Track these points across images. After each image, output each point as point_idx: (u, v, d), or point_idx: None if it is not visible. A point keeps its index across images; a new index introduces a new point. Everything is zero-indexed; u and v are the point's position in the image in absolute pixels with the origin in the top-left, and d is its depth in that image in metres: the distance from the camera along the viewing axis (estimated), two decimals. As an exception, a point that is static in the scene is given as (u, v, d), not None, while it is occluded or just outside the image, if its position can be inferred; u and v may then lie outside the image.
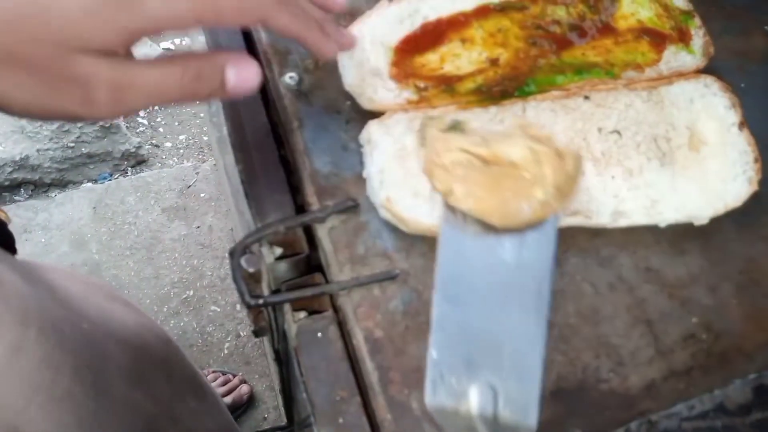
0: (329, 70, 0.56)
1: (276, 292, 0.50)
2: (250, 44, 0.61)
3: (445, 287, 0.42)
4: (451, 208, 0.46)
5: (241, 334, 1.66)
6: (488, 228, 0.45)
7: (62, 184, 1.85)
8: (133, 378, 0.63)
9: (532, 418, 0.41)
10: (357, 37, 0.51)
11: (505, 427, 0.40)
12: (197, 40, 0.69)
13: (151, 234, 1.76)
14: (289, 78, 0.56)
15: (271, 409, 1.58)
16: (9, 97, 0.37)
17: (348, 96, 0.54)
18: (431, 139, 0.49)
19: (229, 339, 1.66)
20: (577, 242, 0.52)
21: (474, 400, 0.40)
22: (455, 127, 0.50)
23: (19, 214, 1.75)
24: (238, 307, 1.69)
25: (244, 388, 1.55)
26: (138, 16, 0.37)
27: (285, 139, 0.55)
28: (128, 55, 0.39)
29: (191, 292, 1.71)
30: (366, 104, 0.52)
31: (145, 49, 1.85)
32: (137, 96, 0.39)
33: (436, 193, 0.48)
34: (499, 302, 0.42)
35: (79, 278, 0.71)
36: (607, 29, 0.55)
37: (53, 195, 1.80)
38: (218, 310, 1.69)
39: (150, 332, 0.76)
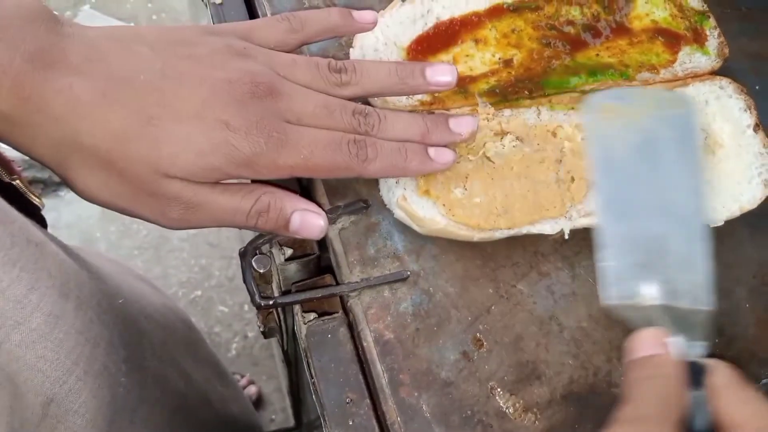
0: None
1: (286, 293, 0.49)
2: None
3: (608, 206, 0.45)
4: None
5: (249, 335, 1.66)
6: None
7: (72, 183, 1.86)
8: (165, 356, 0.63)
9: (706, 301, 0.42)
10: (475, 124, 0.49)
11: (684, 313, 0.42)
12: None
13: (159, 233, 1.76)
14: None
15: (278, 411, 1.58)
16: (93, 192, 0.41)
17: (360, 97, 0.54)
18: None
19: (236, 340, 1.65)
20: (589, 244, 0.51)
21: (648, 296, 0.42)
22: None
23: (29, 213, 1.74)
24: (246, 307, 1.68)
25: (252, 390, 1.55)
26: (240, 166, 0.41)
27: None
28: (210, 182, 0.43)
29: (199, 292, 1.71)
30: (378, 105, 0.52)
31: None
32: (205, 217, 0.43)
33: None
34: (657, 206, 0.46)
35: (107, 258, 0.71)
36: (621, 30, 0.55)
37: (62, 194, 1.80)
38: (226, 310, 1.69)
39: (175, 315, 0.77)
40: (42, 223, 0.53)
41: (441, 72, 0.48)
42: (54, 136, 0.38)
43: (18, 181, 0.48)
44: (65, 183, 0.42)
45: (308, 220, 0.44)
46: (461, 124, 0.48)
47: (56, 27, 0.39)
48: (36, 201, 0.51)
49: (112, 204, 0.42)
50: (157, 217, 0.43)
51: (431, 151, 0.46)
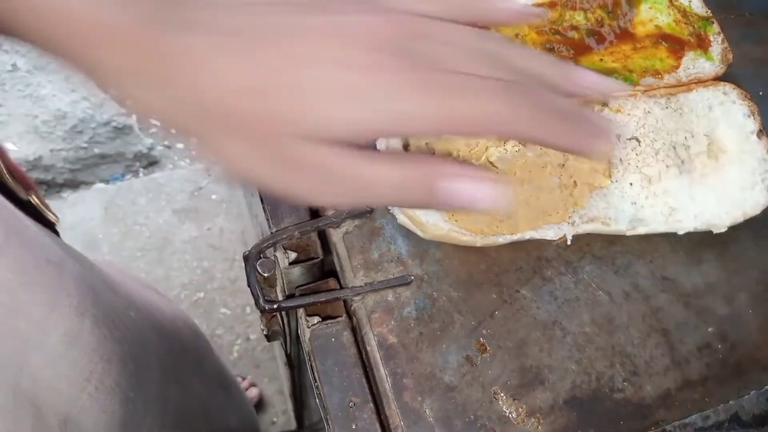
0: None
1: (290, 296, 0.50)
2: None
3: None
4: None
5: (251, 337, 1.66)
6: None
7: (74, 185, 1.86)
8: (168, 369, 0.63)
9: None
10: (612, 127, 0.38)
11: None
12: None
13: (162, 235, 1.77)
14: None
15: (280, 413, 1.58)
16: (229, 161, 0.35)
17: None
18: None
19: (238, 342, 1.66)
20: (592, 250, 0.52)
21: None
22: None
23: (32, 214, 1.75)
24: (248, 309, 1.69)
25: (254, 392, 1.55)
26: (395, 118, 0.33)
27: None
28: (355, 147, 0.35)
29: (201, 294, 1.71)
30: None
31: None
32: (349, 192, 0.35)
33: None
34: None
35: (115, 267, 0.71)
36: (625, 35, 0.55)
37: (65, 195, 1.81)
38: (228, 312, 1.69)
39: (183, 323, 0.77)
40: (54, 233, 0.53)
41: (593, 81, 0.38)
42: (180, 96, 0.33)
43: (34, 197, 0.48)
44: (198, 152, 0.36)
45: (472, 190, 0.35)
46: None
47: None
48: (52, 218, 0.50)
49: (252, 175, 0.35)
50: (303, 190, 0.35)
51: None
